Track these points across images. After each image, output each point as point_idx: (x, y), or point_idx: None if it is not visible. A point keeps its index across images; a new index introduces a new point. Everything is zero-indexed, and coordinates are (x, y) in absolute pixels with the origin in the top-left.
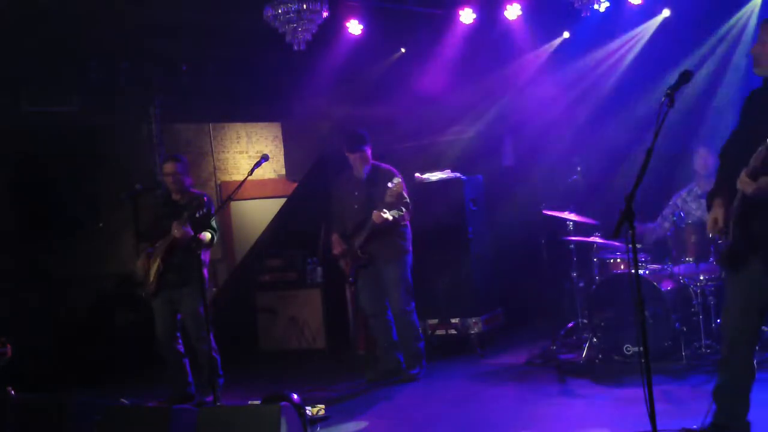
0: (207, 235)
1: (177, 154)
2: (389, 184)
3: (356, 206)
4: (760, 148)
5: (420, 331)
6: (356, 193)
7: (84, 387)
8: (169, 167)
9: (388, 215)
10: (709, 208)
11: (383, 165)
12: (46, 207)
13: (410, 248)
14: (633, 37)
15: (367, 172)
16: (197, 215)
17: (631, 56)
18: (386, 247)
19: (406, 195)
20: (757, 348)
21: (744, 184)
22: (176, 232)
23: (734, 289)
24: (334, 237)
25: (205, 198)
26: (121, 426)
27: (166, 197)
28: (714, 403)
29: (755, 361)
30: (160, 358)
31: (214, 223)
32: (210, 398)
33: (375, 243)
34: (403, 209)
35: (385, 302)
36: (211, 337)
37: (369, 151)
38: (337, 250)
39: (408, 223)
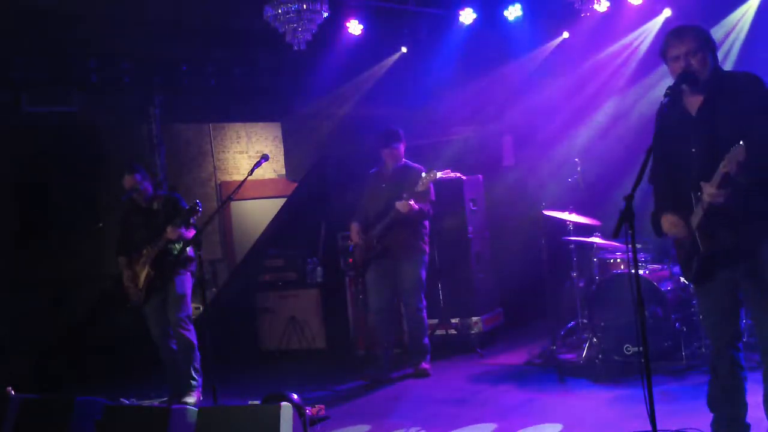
0: (192, 231)
1: (132, 164)
2: (423, 174)
3: (381, 199)
4: (731, 153)
5: (427, 328)
6: (383, 185)
7: (84, 387)
8: (129, 182)
9: (413, 204)
10: (655, 225)
11: (414, 164)
12: (46, 207)
13: (428, 249)
14: (636, 38)
15: (397, 168)
16: (191, 221)
17: (633, 56)
18: (405, 245)
19: (432, 195)
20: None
21: (714, 196)
22: (172, 234)
23: (708, 299)
24: (354, 226)
25: (175, 197)
26: (121, 426)
27: (135, 206)
28: (711, 413)
29: (744, 363)
30: (159, 359)
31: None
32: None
33: (393, 238)
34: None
35: (393, 300)
36: (191, 325)
37: (402, 149)
38: (354, 238)
39: (428, 225)
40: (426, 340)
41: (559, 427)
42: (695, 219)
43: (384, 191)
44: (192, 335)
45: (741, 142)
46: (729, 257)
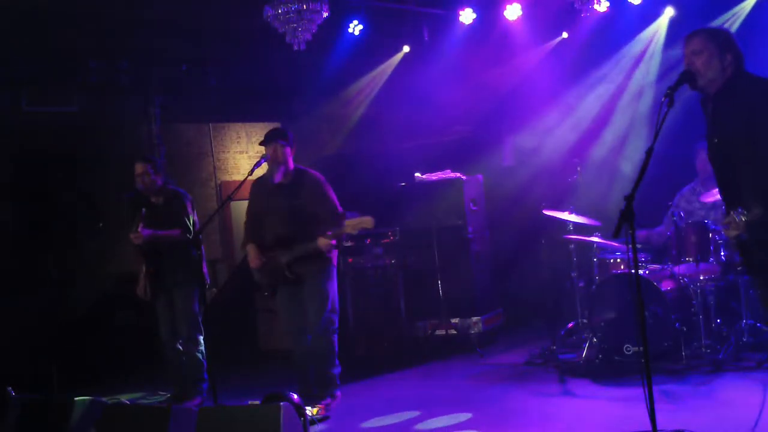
0: (174, 231)
1: (148, 155)
2: (350, 222)
3: (277, 217)
4: (750, 217)
5: (336, 356)
6: (278, 202)
7: (84, 387)
8: (138, 168)
9: (333, 243)
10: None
11: (311, 171)
12: (46, 207)
13: (334, 254)
14: (641, 39)
15: (288, 177)
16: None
17: (635, 56)
18: (310, 261)
19: (336, 208)
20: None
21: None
22: (136, 240)
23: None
24: (250, 248)
25: (181, 194)
26: (121, 426)
27: (145, 199)
28: None
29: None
30: (160, 357)
31: (188, 219)
32: (198, 401)
33: (303, 262)
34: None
35: (306, 319)
36: (201, 340)
37: (287, 151)
38: (255, 264)
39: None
40: (334, 370)
41: (559, 427)
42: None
43: (277, 208)
44: (202, 355)
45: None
46: (753, 268)
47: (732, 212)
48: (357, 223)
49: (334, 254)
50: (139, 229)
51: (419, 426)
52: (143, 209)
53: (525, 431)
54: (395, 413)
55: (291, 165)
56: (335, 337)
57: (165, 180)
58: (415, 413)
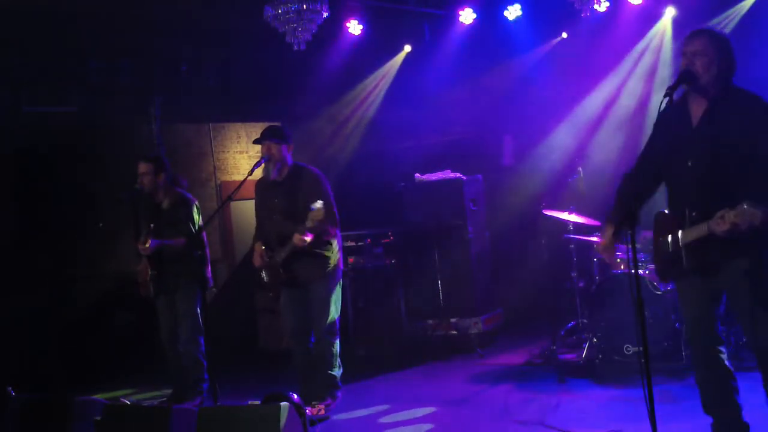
0: (180, 240)
1: (152, 154)
2: (312, 206)
3: (277, 216)
4: (744, 212)
5: (338, 360)
6: (276, 200)
7: (84, 387)
8: (140, 168)
9: (308, 238)
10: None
11: (309, 167)
12: (46, 207)
13: (340, 263)
14: (644, 39)
15: (286, 174)
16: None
17: (637, 57)
18: (311, 263)
19: (332, 206)
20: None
21: (725, 232)
22: (143, 251)
23: (685, 297)
24: (257, 246)
25: (188, 200)
26: (121, 426)
27: (147, 199)
28: (709, 416)
29: (728, 362)
30: (160, 357)
31: (193, 226)
32: (197, 401)
33: (299, 262)
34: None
35: (308, 320)
36: (202, 341)
37: (283, 149)
38: (256, 262)
39: (336, 235)
40: (335, 372)
41: (559, 427)
42: (687, 237)
43: (277, 207)
44: (203, 356)
45: (757, 209)
46: (710, 271)
47: (743, 204)
48: (311, 215)
49: (340, 256)
50: (148, 244)
51: (383, 419)
52: (152, 224)
53: (525, 431)
54: (368, 407)
55: (289, 161)
56: (337, 340)
57: (170, 181)
58: (384, 407)
